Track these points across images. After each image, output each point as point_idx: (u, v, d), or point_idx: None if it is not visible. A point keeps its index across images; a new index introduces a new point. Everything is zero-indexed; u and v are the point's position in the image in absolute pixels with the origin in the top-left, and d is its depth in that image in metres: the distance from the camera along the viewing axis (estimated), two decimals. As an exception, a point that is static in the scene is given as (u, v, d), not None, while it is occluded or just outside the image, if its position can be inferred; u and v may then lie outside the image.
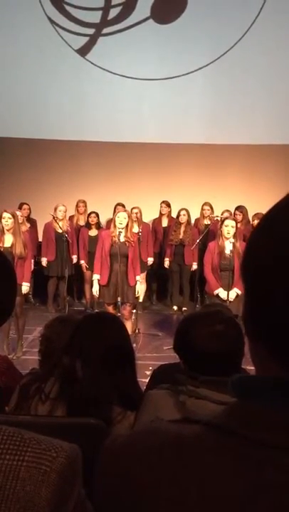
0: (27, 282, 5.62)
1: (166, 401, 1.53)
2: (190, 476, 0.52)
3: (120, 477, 0.57)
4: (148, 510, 0.53)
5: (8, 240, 5.45)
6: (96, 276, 5.58)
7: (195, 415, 1.40)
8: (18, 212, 6.12)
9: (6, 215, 5.43)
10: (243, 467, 0.50)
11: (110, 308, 5.50)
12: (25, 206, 7.86)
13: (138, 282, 5.65)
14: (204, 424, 0.55)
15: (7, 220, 5.40)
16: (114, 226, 5.47)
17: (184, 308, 7.52)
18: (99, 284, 5.55)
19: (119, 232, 5.39)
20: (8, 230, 5.43)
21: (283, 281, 0.50)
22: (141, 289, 5.70)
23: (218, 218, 6.84)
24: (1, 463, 0.65)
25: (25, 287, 5.57)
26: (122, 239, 5.42)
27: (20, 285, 5.44)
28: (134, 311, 6.06)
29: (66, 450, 0.68)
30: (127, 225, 5.47)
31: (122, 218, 5.44)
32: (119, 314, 5.13)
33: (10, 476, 0.65)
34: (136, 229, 6.79)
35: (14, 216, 5.50)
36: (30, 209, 7.98)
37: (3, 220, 5.41)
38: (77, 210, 8.16)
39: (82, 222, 7.98)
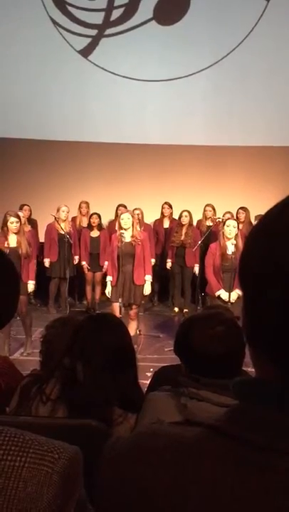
0: (32, 280, 5.74)
1: (167, 403, 1.52)
2: (191, 479, 0.52)
3: (121, 479, 0.57)
4: (149, 512, 0.53)
5: (13, 240, 5.58)
6: (109, 278, 5.68)
7: (196, 417, 1.40)
8: (20, 213, 6.19)
9: (13, 219, 5.59)
10: (244, 471, 0.50)
11: (116, 306, 5.55)
12: (25, 207, 7.86)
13: (148, 282, 5.69)
14: (206, 427, 0.55)
15: (14, 224, 5.57)
16: (120, 228, 5.57)
17: (185, 310, 7.52)
18: (111, 285, 5.63)
19: (122, 233, 5.50)
20: (14, 233, 5.59)
21: (280, 287, 0.50)
22: (146, 289, 5.71)
23: (220, 219, 6.84)
24: (3, 464, 0.66)
25: (31, 285, 5.72)
26: (128, 239, 5.52)
27: (26, 284, 5.60)
28: (136, 312, 6.07)
29: (68, 452, 0.68)
30: (132, 224, 5.58)
31: (126, 219, 5.54)
32: (120, 316, 5.14)
33: (12, 477, 0.65)
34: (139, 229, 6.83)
35: (19, 218, 5.68)
36: (30, 210, 7.99)
37: (10, 224, 5.57)
38: (80, 212, 8.16)
39: (84, 224, 7.98)
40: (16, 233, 5.59)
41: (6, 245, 5.49)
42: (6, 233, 5.59)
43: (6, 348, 5.55)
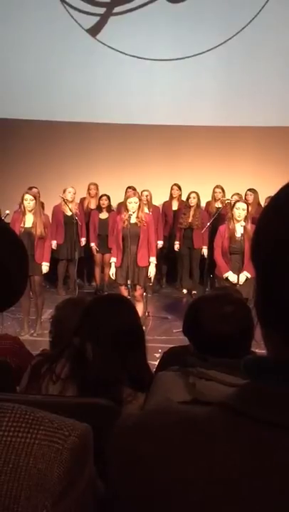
0: (47, 262, 5.77)
1: (176, 382, 1.53)
2: (201, 455, 0.52)
3: (131, 455, 0.57)
4: (158, 489, 0.54)
5: (29, 220, 5.62)
6: (113, 259, 5.72)
7: (205, 397, 1.40)
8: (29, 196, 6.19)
9: (28, 197, 5.63)
10: (255, 448, 0.50)
11: (123, 289, 5.60)
12: (34, 189, 7.83)
13: (152, 264, 5.70)
14: (217, 405, 0.55)
15: (29, 202, 5.60)
16: (126, 210, 5.61)
17: (193, 292, 7.53)
18: (115, 266, 5.68)
19: (130, 215, 5.54)
20: (29, 211, 5.61)
21: None
22: (151, 270, 5.73)
23: (229, 201, 6.79)
24: (14, 441, 0.66)
25: (45, 267, 5.75)
26: (134, 220, 5.56)
27: (40, 265, 5.64)
28: (144, 293, 6.09)
29: (78, 429, 0.69)
30: (139, 206, 5.63)
31: (133, 204, 5.60)
32: (129, 297, 5.16)
33: (23, 454, 0.66)
34: (146, 211, 6.83)
35: (36, 198, 5.72)
36: (39, 192, 7.95)
37: (25, 202, 5.60)
38: (89, 193, 8.13)
39: (93, 206, 7.95)
40: (31, 212, 5.60)
41: (21, 225, 5.55)
42: (24, 212, 5.62)
43: (25, 325, 5.72)
